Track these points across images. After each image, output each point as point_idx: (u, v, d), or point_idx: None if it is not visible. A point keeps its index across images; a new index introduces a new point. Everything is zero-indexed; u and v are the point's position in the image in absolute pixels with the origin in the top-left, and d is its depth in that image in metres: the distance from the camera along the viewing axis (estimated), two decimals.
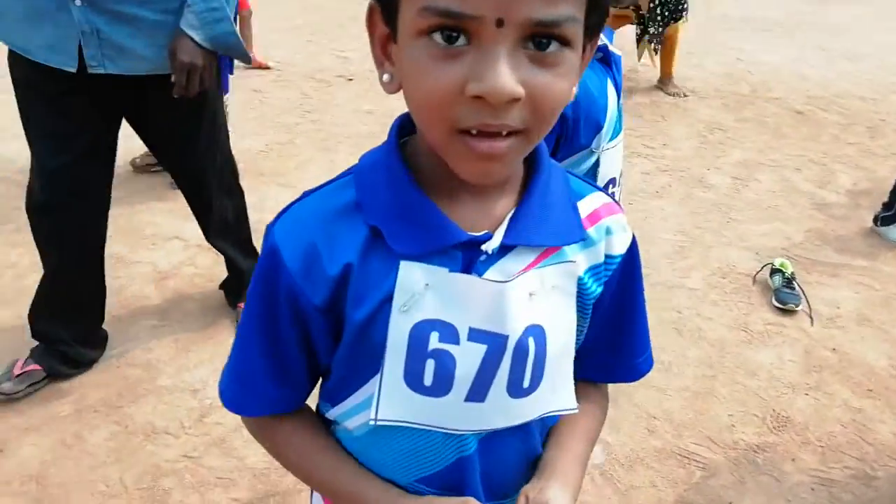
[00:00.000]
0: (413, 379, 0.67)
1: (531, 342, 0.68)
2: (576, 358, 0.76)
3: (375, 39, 0.63)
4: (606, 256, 0.73)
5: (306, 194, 0.70)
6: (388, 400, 0.68)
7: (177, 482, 1.80)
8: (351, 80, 4.71)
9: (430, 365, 0.66)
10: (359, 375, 0.70)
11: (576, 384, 0.76)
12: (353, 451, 0.76)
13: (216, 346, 2.27)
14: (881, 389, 2.26)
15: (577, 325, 0.73)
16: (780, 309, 2.60)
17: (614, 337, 0.80)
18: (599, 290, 0.74)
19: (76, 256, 2.00)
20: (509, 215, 0.67)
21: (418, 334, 0.65)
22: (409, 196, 0.65)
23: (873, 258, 3.02)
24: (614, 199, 0.77)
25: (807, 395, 2.22)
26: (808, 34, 6.62)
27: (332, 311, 0.68)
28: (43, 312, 2.05)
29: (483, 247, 0.65)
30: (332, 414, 0.76)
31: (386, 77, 0.62)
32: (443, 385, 0.67)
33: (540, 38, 0.53)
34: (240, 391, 0.74)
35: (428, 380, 0.67)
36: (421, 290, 0.65)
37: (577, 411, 0.74)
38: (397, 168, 0.65)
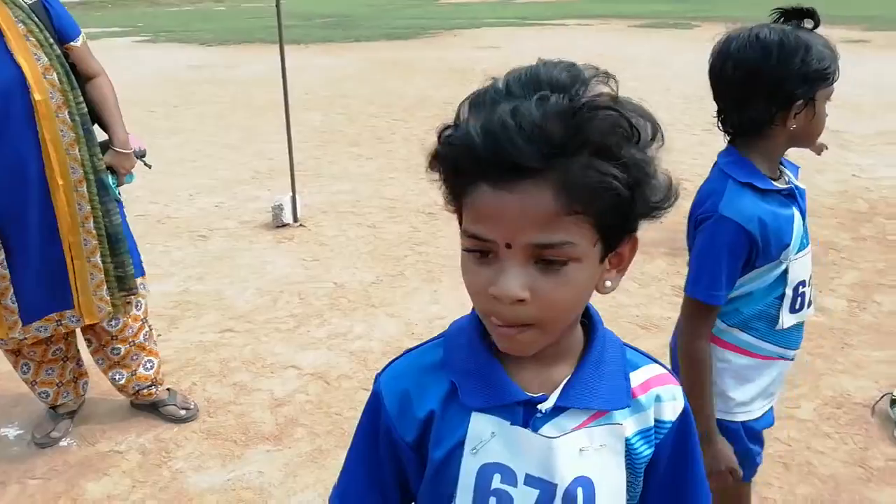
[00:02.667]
0: None
1: (580, 492, 0.77)
2: None
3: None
4: (656, 421, 0.83)
5: (407, 352, 0.88)
6: None
7: None
8: None
9: (492, 501, 0.78)
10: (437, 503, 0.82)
11: None
12: None
13: (320, 471, 2.42)
14: None
15: (629, 483, 0.82)
16: None
17: (674, 497, 0.87)
18: (650, 451, 0.83)
19: None
20: (565, 381, 0.79)
21: (484, 474, 0.78)
22: (482, 359, 0.80)
23: None
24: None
25: None
26: None
27: (420, 448, 0.82)
28: None
29: (539, 406, 0.78)
30: None
31: None
32: None
33: (543, 256, 0.69)
34: None
35: None
36: (487, 438, 0.78)
37: None
38: (475, 335, 0.81)
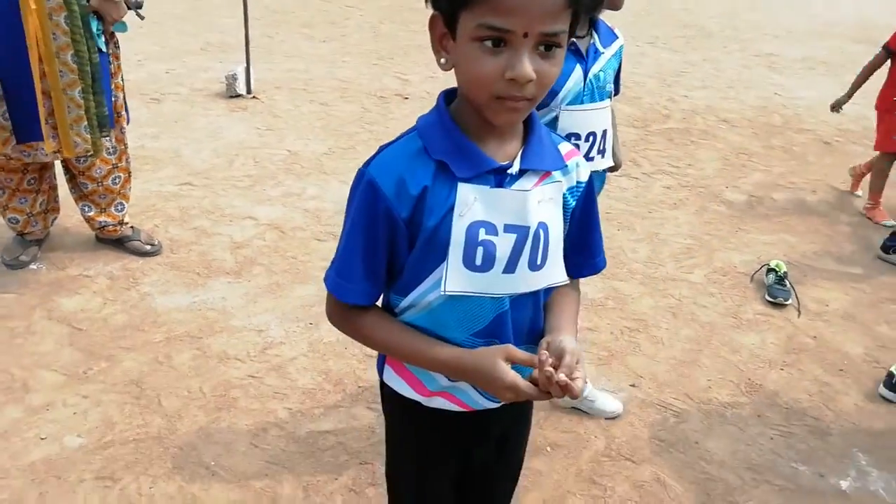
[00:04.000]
0: (468, 262, 1.00)
1: (541, 232, 1.02)
2: None
3: (435, 36, 0.96)
4: (577, 181, 1.13)
5: (384, 147, 1.03)
6: (452, 277, 1.00)
7: (243, 393, 2.25)
8: (407, 98, 5.22)
9: (479, 251, 0.99)
10: (427, 267, 1.02)
11: None
12: (426, 323, 1.06)
13: (278, 300, 2.73)
14: (852, 371, 2.55)
15: (563, 226, 1.12)
16: (771, 302, 2.91)
17: (581, 240, 1.17)
18: (574, 203, 1.13)
19: None
20: (520, 152, 1.02)
21: (471, 231, 0.98)
22: (459, 141, 0.99)
23: (871, 269, 3.30)
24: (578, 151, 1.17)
25: (782, 370, 2.53)
26: (852, 73, 6.82)
27: (412, 222, 1.00)
28: None
29: (509, 171, 1.00)
30: (405, 302, 1.07)
31: (443, 61, 0.96)
32: (488, 264, 1.00)
33: (546, 44, 0.89)
34: (344, 284, 1.06)
35: (478, 261, 1.00)
36: (472, 202, 0.98)
37: (567, 282, 1.12)
38: (449, 123, 1.00)
